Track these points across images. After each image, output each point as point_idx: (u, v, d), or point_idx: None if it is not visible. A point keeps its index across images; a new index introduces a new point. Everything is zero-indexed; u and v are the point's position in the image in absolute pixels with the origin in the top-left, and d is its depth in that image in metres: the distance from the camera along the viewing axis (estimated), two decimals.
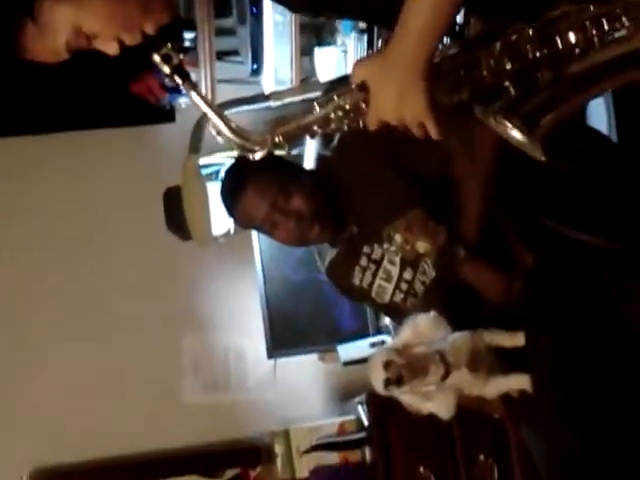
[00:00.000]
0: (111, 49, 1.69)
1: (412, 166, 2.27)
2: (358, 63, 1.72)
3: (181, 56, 1.68)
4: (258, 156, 1.75)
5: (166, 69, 1.67)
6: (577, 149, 2.22)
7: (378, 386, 2.08)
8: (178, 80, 1.71)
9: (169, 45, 1.67)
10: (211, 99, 3.28)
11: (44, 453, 3.55)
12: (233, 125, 1.72)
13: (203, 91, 3.30)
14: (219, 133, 1.73)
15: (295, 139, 1.76)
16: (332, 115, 1.73)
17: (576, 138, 2.24)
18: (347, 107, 1.72)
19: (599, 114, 2.90)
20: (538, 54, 1.69)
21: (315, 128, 1.74)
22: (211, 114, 1.72)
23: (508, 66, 1.70)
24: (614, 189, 2.16)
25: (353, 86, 1.69)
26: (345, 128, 1.74)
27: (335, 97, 1.72)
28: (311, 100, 1.77)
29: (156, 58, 1.67)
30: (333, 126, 1.74)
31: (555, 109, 1.68)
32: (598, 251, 2.06)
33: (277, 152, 1.77)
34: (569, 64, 1.68)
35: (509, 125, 1.62)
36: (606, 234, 2.06)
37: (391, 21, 1.65)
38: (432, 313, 2.17)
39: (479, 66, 1.71)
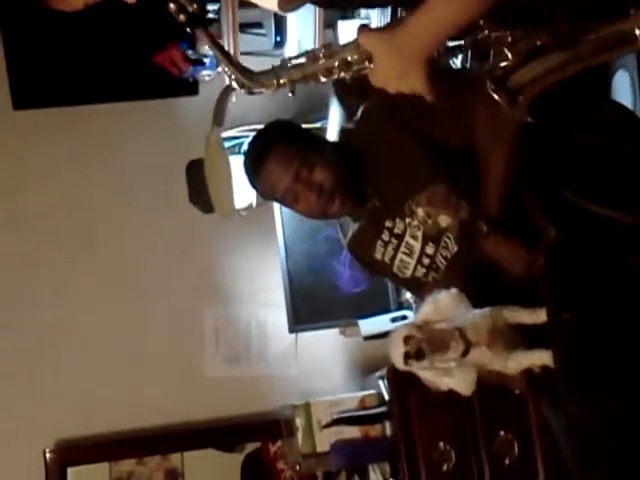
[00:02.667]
0: None
1: (435, 139, 2.26)
2: (365, 31, 1.77)
3: (195, 5, 1.71)
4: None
5: (182, 17, 1.70)
6: (601, 123, 2.20)
7: (398, 361, 2.07)
8: (192, 27, 1.74)
9: None
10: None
11: (67, 425, 3.57)
12: (242, 67, 1.82)
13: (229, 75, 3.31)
14: (230, 75, 1.81)
15: (299, 83, 1.84)
16: (336, 66, 1.79)
17: (600, 112, 2.22)
18: (351, 60, 1.78)
19: (624, 89, 2.88)
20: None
21: (319, 76, 1.82)
22: (222, 57, 1.81)
23: (508, 33, 1.74)
24: (637, 164, 2.14)
25: (358, 45, 1.76)
26: (347, 79, 1.82)
27: (341, 50, 1.79)
28: (317, 48, 1.82)
29: (171, 6, 1.70)
30: (336, 76, 1.82)
31: (544, 78, 1.71)
32: (621, 226, 2.04)
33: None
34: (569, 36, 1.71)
35: (495, 97, 1.70)
36: (629, 209, 2.04)
37: (411, 3, 1.67)
38: (453, 290, 2.16)
39: (482, 31, 1.78)
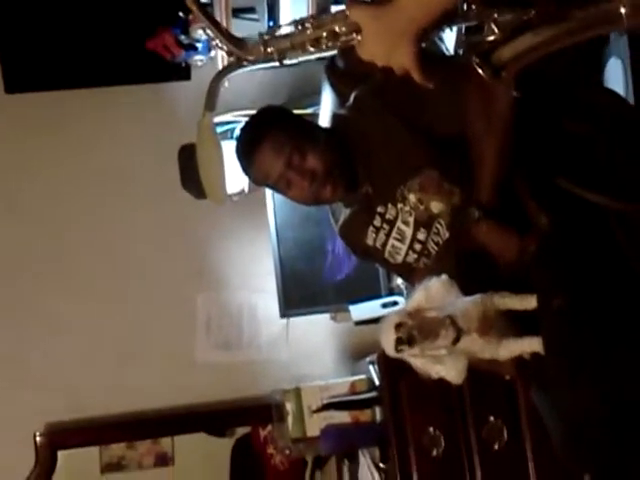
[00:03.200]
0: None
1: (428, 125, 2.26)
2: (354, 4, 1.78)
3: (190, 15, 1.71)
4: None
5: None
6: (594, 111, 2.21)
7: (389, 347, 2.07)
8: None
9: None
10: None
11: (57, 409, 3.57)
12: (229, 35, 1.84)
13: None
14: (218, 43, 1.84)
15: (287, 53, 1.85)
16: (324, 36, 1.80)
17: (593, 99, 2.23)
18: (339, 32, 1.79)
19: (616, 76, 2.89)
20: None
21: (307, 46, 1.83)
22: (210, 25, 1.84)
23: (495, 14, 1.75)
24: (630, 151, 2.14)
25: (346, 16, 1.77)
26: (335, 49, 1.84)
27: (329, 21, 1.79)
28: (305, 17, 1.83)
29: None
30: (324, 47, 1.83)
31: (528, 53, 1.71)
32: (613, 213, 2.05)
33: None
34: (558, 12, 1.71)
35: (479, 71, 1.70)
36: (622, 196, 2.05)
37: None
38: (443, 276, 2.16)
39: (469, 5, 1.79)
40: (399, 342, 2.04)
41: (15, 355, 3.57)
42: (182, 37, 3.36)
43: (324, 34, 1.80)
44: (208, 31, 1.85)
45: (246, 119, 2.66)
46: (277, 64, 1.87)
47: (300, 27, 1.83)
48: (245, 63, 1.87)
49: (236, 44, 1.84)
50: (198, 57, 3.42)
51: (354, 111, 2.43)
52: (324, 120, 2.69)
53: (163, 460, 3.63)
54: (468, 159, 2.19)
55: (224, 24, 3.20)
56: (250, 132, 2.51)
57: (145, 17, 3.23)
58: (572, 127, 2.16)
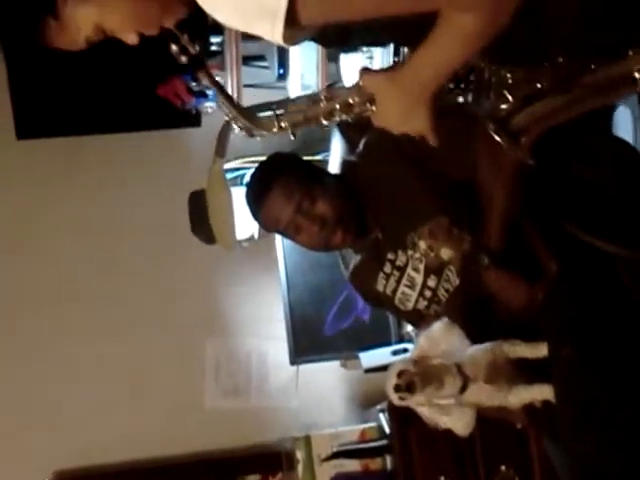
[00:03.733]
0: (130, 40, 1.73)
1: (437, 172, 2.27)
2: (367, 73, 1.79)
3: (197, 47, 1.73)
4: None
5: (183, 59, 1.71)
6: (602, 158, 2.21)
7: (391, 394, 2.07)
8: (194, 69, 1.76)
9: (186, 36, 1.71)
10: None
11: (65, 456, 3.56)
12: (244, 109, 1.84)
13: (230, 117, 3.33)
14: (232, 118, 1.82)
15: (300, 127, 1.85)
16: (337, 108, 1.79)
17: (602, 147, 2.23)
18: (353, 103, 1.79)
19: (626, 123, 2.89)
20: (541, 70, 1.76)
21: (320, 119, 1.83)
22: (224, 100, 1.83)
23: (509, 75, 1.75)
24: (637, 198, 2.14)
25: (360, 87, 1.77)
26: (349, 121, 1.84)
27: (342, 92, 1.80)
28: (318, 90, 1.83)
29: (173, 49, 1.71)
30: (337, 119, 1.83)
31: (544, 121, 1.72)
32: (622, 261, 2.04)
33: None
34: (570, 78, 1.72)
35: (497, 138, 1.72)
36: (630, 244, 2.04)
37: (413, 42, 1.69)
38: (444, 319, 2.16)
39: (482, 72, 1.79)
40: (398, 389, 2.03)
41: (24, 401, 3.57)
42: (193, 84, 3.38)
43: (337, 106, 1.81)
44: (223, 107, 1.84)
45: (256, 165, 2.66)
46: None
47: (313, 101, 1.83)
48: (256, 134, 1.86)
49: (250, 119, 1.83)
50: (208, 104, 3.44)
51: (364, 158, 2.44)
52: (334, 167, 2.69)
53: None
54: (477, 206, 2.19)
55: (234, 72, 3.22)
56: (260, 177, 2.52)
57: (156, 64, 3.24)
58: (581, 173, 2.15)
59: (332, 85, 3.41)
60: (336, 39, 1.97)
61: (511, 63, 1.78)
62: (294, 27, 1.59)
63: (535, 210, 2.16)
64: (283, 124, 1.83)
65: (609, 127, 2.37)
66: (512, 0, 1.55)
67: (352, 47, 2.05)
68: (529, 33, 1.74)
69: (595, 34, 1.76)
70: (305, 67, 3.30)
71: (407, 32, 1.76)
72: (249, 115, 1.83)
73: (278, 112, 1.83)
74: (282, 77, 3.40)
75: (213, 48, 3.32)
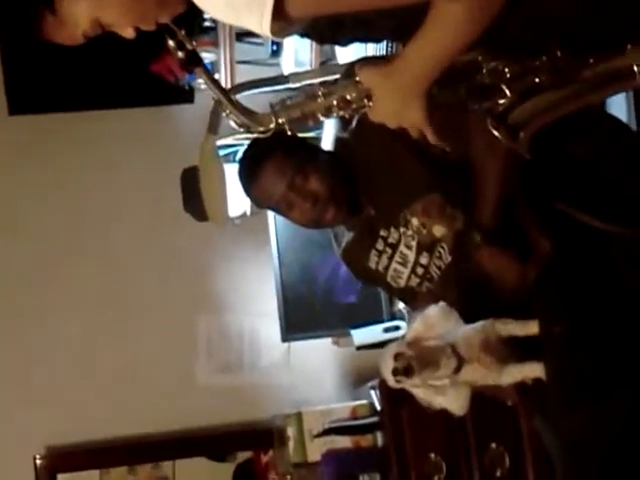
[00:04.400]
0: (127, 34, 1.75)
1: (431, 150, 2.26)
2: (363, 67, 1.78)
3: (194, 43, 1.72)
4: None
5: (180, 54, 1.71)
6: (595, 136, 2.21)
7: (388, 377, 2.07)
8: (190, 65, 1.75)
9: (183, 32, 1.71)
10: (230, 79, 3.29)
11: (57, 432, 3.56)
12: (240, 106, 1.82)
13: (222, 72, 3.31)
14: (229, 114, 1.81)
15: (298, 123, 1.84)
16: (335, 104, 1.79)
17: (594, 125, 2.23)
18: (350, 99, 1.79)
19: (618, 102, 2.89)
20: (538, 62, 1.76)
21: (318, 115, 1.82)
22: (221, 96, 1.81)
23: (506, 69, 1.75)
24: (631, 176, 2.14)
25: (356, 82, 1.77)
26: (347, 117, 1.83)
27: (339, 88, 1.80)
28: (315, 86, 1.83)
29: (170, 44, 1.71)
30: (335, 115, 1.83)
31: (543, 115, 1.72)
32: (615, 239, 2.04)
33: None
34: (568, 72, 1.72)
35: (496, 133, 1.72)
36: (623, 221, 2.05)
37: (405, 36, 1.70)
38: (441, 304, 2.17)
39: (479, 66, 1.78)
40: (396, 372, 2.04)
41: (15, 376, 3.56)
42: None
43: (335, 102, 1.80)
44: (225, 112, 1.83)
45: (249, 142, 2.66)
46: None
47: (310, 96, 1.82)
48: (254, 130, 1.86)
49: (247, 116, 1.82)
50: (201, 80, 3.42)
51: (357, 135, 2.43)
52: (327, 143, 2.69)
53: None
54: (471, 183, 2.19)
55: (227, 48, 3.21)
56: (253, 153, 2.52)
57: (149, 40, 3.23)
58: (574, 152, 2.16)
59: (325, 62, 3.42)
60: (328, 34, 1.96)
61: (507, 55, 1.77)
62: (282, 20, 1.60)
63: (528, 188, 2.16)
64: (280, 120, 1.82)
65: (602, 105, 2.38)
66: None
67: (345, 43, 2.05)
68: (524, 24, 1.74)
69: (592, 25, 1.75)
70: (299, 43, 3.29)
71: (399, 26, 1.76)
72: (246, 111, 1.82)
73: (275, 107, 1.82)
74: (276, 53, 3.40)
75: (206, 24, 3.31)
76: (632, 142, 2.28)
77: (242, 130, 1.86)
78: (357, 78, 1.77)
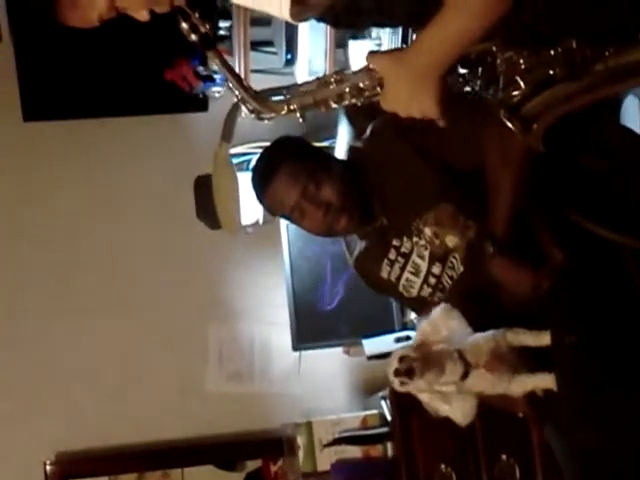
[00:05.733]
0: (141, 17, 1.73)
1: (444, 159, 2.26)
2: (374, 56, 1.78)
3: (207, 26, 1.71)
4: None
5: (193, 37, 1.70)
6: (610, 148, 2.21)
7: (392, 379, 2.07)
8: (204, 48, 1.75)
9: (197, 14, 1.70)
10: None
11: (67, 438, 3.56)
12: (253, 92, 1.82)
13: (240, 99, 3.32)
14: (241, 99, 1.82)
15: (309, 109, 1.84)
16: (347, 92, 1.80)
17: (609, 137, 2.22)
18: (362, 87, 1.79)
19: (633, 114, 2.89)
20: (553, 52, 1.75)
21: (330, 102, 1.82)
22: (233, 81, 1.81)
23: (521, 60, 1.74)
24: None
25: (369, 70, 1.77)
26: (359, 105, 1.83)
27: (352, 76, 1.80)
28: (328, 73, 1.83)
29: (184, 26, 1.70)
30: (347, 102, 1.82)
31: (557, 108, 1.72)
32: (627, 250, 2.04)
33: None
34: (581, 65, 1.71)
35: (509, 125, 1.71)
36: (636, 233, 2.04)
37: (422, 23, 1.69)
38: (444, 304, 2.17)
39: (493, 57, 1.77)
40: (397, 373, 2.03)
41: (26, 383, 3.56)
42: (200, 68, 3.38)
43: (347, 89, 1.81)
44: (238, 97, 1.83)
45: (262, 150, 2.66)
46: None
47: (323, 84, 1.83)
48: (265, 117, 1.85)
49: (259, 101, 1.83)
50: (216, 88, 3.44)
51: (371, 144, 2.44)
52: (340, 152, 2.70)
53: None
54: (484, 194, 2.19)
55: (242, 57, 3.22)
56: (267, 160, 2.52)
57: (164, 48, 3.24)
58: (588, 164, 2.15)
59: (340, 71, 3.42)
60: (345, 19, 1.96)
61: (521, 45, 1.77)
62: (301, 3, 1.59)
63: (541, 199, 2.16)
64: (292, 106, 1.82)
65: (617, 116, 2.37)
66: None
67: (361, 28, 2.04)
68: (539, 14, 1.74)
69: (606, 16, 1.75)
70: (313, 53, 3.30)
71: (415, 12, 1.75)
72: (258, 97, 1.83)
73: (287, 94, 1.83)
74: (290, 62, 3.41)
75: (221, 33, 3.32)
76: None
77: (253, 116, 1.85)
78: (370, 65, 1.77)
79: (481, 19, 1.61)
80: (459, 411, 2.14)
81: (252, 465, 3.67)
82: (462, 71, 1.77)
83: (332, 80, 1.81)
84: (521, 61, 1.77)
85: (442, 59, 1.69)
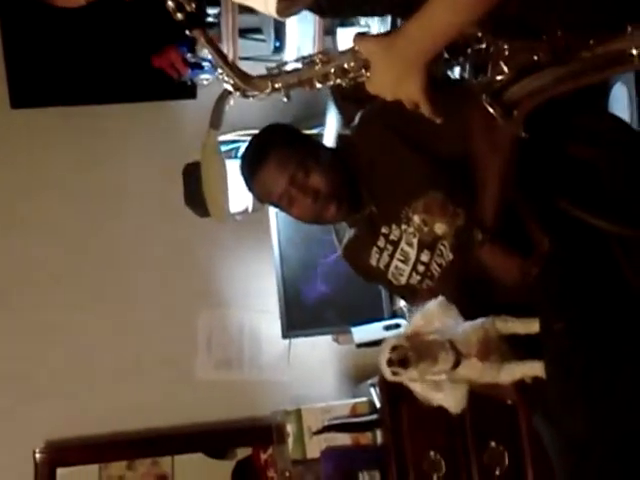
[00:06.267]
0: None
1: (432, 147, 2.26)
2: (362, 38, 1.78)
3: (193, 5, 1.69)
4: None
5: (179, 16, 1.69)
6: (597, 136, 2.20)
7: (384, 369, 2.07)
8: (190, 27, 1.73)
9: None
10: None
11: (57, 426, 3.57)
12: (237, 70, 1.81)
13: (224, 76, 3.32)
14: (225, 77, 1.81)
15: (294, 88, 1.84)
16: (332, 72, 1.80)
17: (597, 125, 2.22)
18: (347, 68, 1.79)
19: (622, 102, 2.89)
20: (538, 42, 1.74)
21: (314, 82, 1.82)
22: (218, 59, 1.80)
23: (505, 46, 1.74)
24: (632, 176, 2.14)
25: (355, 52, 1.76)
26: (344, 85, 1.82)
27: (338, 57, 1.80)
28: (314, 53, 1.83)
29: (170, 4, 1.69)
30: (332, 83, 1.82)
31: (539, 94, 1.71)
32: (615, 238, 2.04)
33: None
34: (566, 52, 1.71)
35: (490, 110, 1.70)
36: (624, 221, 2.04)
37: (409, 12, 1.68)
38: (441, 298, 2.17)
39: (479, 42, 1.77)
40: (390, 363, 2.03)
41: (16, 371, 3.57)
42: (189, 55, 3.37)
43: (332, 70, 1.80)
44: (222, 75, 1.83)
45: (251, 138, 2.65)
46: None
47: (308, 63, 1.82)
48: (250, 94, 1.85)
49: (243, 79, 1.82)
50: (204, 76, 3.43)
51: (359, 132, 2.43)
52: (329, 140, 2.69)
53: None
54: (472, 181, 2.19)
55: (230, 44, 3.21)
56: (256, 147, 2.51)
57: (152, 34, 3.24)
58: (575, 152, 2.15)
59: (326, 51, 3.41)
60: (329, 10, 1.96)
61: (507, 35, 1.77)
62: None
63: (528, 187, 2.16)
64: (277, 85, 1.82)
65: (605, 104, 2.37)
66: None
67: (348, 17, 2.05)
68: (525, 4, 1.74)
69: (594, 6, 1.75)
70: (301, 40, 3.29)
71: (402, 3, 1.75)
72: (243, 75, 1.82)
73: (272, 71, 1.82)
74: (278, 50, 3.40)
75: (210, 20, 3.31)
76: (633, 141, 2.27)
77: (238, 94, 1.85)
78: (356, 47, 1.77)
79: (470, 12, 1.61)
80: (452, 399, 2.14)
81: (242, 453, 3.68)
82: (447, 56, 1.77)
83: (317, 60, 1.81)
84: (505, 47, 1.77)
85: (429, 48, 1.69)
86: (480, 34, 1.77)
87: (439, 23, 1.65)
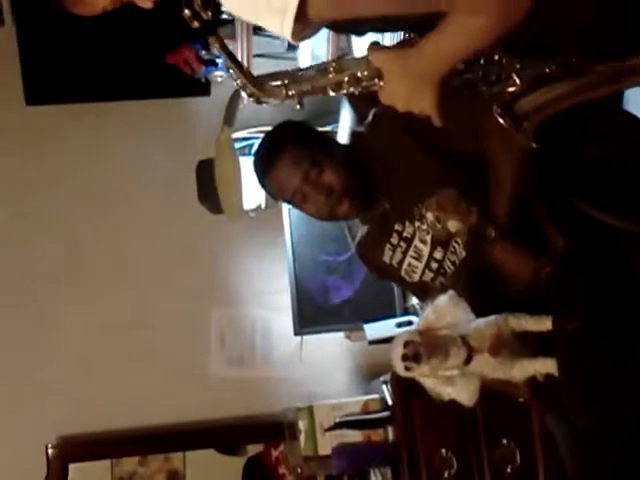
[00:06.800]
0: (145, 5, 1.78)
1: (446, 144, 2.26)
2: (376, 50, 1.80)
3: (209, 12, 1.72)
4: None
5: (195, 24, 1.71)
6: (612, 134, 2.20)
7: (397, 364, 2.08)
8: (205, 34, 1.77)
9: (199, 1, 1.71)
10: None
11: (69, 422, 3.58)
12: (251, 77, 1.84)
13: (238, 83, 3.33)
14: (240, 84, 1.83)
15: (307, 95, 1.86)
16: (345, 81, 1.82)
17: (612, 123, 2.22)
18: (360, 77, 1.80)
19: (636, 100, 2.87)
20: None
21: (328, 90, 1.84)
22: (233, 66, 1.82)
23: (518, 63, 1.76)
24: None
25: (368, 61, 1.79)
26: (356, 93, 1.84)
27: (351, 65, 1.81)
28: (327, 61, 1.84)
29: (186, 13, 1.71)
30: (344, 91, 1.83)
31: (549, 106, 1.72)
32: (629, 236, 2.04)
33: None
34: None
35: (501, 121, 1.74)
36: (635, 219, 2.05)
37: (423, 32, 1.71)
38: (450, 292, 2.17)
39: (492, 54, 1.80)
40: (404, 358, 2.04)
41: (28, 367, 3.58)
42: (203, 52, 3.38)
43: (346, 78, 1.82)
44: (236, 82, 1.85)
45: (264, 134, 2.66)
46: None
47: (322, 71, 1.84)
48: (264, 100, 1.87)
49: (257, 86, 1.84)
50: (218, 73, 3.44)
51: (373, 128, 2.43)
52: (343, 137, 2.69)
53: (174, 478, 3.62)
54: (485, 179, 2.19)
55: (245, 41, 3.22)
56: (268, 145, 2.51)
57: (166, 32, 3.24)
58: (589, 150, 2.15)
59: (342, 57, 3.41)
60: (345, 28, 1.98)
61: (522, 55, 1.79)
62: (302, 23, 1.61)
63: (542, 185, 2.16)
64: (291, 92, 1.83)
65: (619, 103, 2.37)
66: (524, 1, 1.56)
67: (361, 33, 2.08)
68: (540, 32, 1.75)
69: (607, 36, 1.76)
70: (315, 37, 3.28)
71: (417, 25, 1.77)
72: (257, 82, 1.84)
73: (286, 80, 1.83)
74: (292, 47, 3.40)
75: (224, 17, 3.31)
76: None
77: (252, 100, 1.86)
78: (369, 58, 1.79)
79: (482, 40, 1.64)
80: (464, 392, 2.15)
81: (253, 449, 3.68)
82: (461, 67, 1.79)
83: (331, 69, 1.82)
84: (518, 60, 1.79)
85: (443, 67, 1.72)
86: (496, 56, 1.79)
87: (452, 47, 1.68)
